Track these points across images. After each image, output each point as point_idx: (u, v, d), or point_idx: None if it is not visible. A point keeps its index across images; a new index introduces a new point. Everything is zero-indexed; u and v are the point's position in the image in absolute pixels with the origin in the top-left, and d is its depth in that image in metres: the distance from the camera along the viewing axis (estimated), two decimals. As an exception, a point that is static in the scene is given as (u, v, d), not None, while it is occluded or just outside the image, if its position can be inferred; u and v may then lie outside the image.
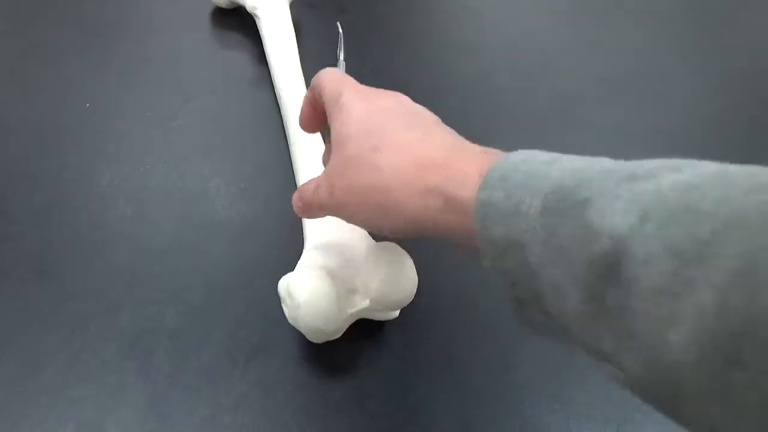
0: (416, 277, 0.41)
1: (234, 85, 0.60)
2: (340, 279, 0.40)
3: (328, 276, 0.39)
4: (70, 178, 0.51)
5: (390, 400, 0.41)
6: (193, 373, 0.41)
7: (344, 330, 0.41)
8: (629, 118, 0.58)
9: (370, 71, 0.61)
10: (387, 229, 0.34)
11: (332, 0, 0.69)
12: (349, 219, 0.36)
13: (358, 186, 0.33)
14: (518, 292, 0.28)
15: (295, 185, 0.49)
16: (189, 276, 0.45)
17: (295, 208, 0.39)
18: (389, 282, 0.40)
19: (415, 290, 0.41)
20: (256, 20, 0.62)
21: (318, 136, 0.51)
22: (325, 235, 0.44)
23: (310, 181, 0.38)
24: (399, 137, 0.33)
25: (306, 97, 0.40)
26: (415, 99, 0.58)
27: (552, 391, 0.42)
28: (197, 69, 0.61)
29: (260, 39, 0.62)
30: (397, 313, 0.43)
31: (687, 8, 0.71)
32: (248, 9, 0.63)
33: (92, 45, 0.63)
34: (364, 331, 0.43)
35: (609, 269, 0.23)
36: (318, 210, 0.37)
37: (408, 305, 0.42)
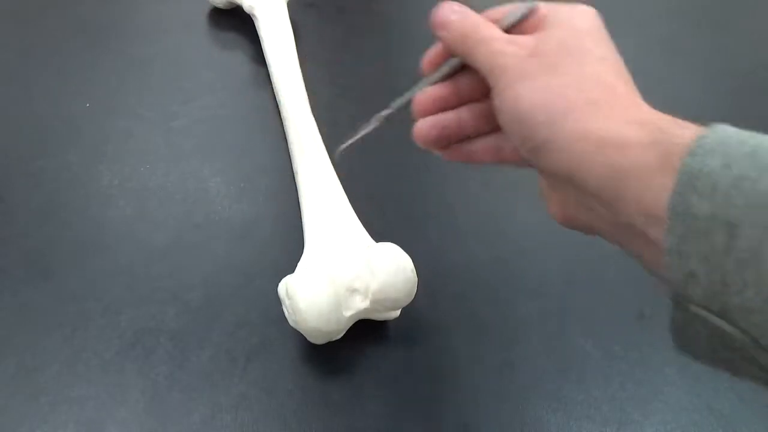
0: (416, 278, 0.41)
1: (234, 85, 0.60)
2: (340, 280, 0.40)
3: (328, 277, 0.39)
4: (71, 178, 0.51)
5: (390, 400, 0.41)
6: (193, 373, 0.40)
7: (345, 330, 0.41)
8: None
9: (370, 71, 0.61)
10: (552, 144, 0.27)
11: (332, 0, 0.69)
12: (522, 114, 0.28)
13: (568, 75, 0.28)
14: (696, 292, 0.22)
15: (295, 186, 0.49)
16: (189, 276, 0.45)
17: (440, 21, 0.32)
18: (389, 283, 0.40)
19: (415, 290, 0.41)
20: (254, 20, 0.62)
21: (318, 136, 0.51)
22: (325, 235, 0.44)
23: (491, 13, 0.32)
24: (611, 57, 0.30)
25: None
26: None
27: (552, 391, 0.42)
28: (197, 69, 0.61)
29: (259, 39, 0.62)
30: (397, 313, 0.43)
31: (687, 8, 0.71)
32: (245, 9, 0.63)
33: (92, 45, 0.63)
34: (364, 332, 0.43)
35: None
36: (476, 48, 0.30)
37: (408, 305, 0.42)
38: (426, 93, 0.34)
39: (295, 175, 0.50)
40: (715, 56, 0.65)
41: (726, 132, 0.23)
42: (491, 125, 0.34)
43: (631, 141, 0.25)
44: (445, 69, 0.33)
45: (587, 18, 0.31)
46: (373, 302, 0.40)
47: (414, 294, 0.41)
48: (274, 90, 0.57)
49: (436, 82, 0.34)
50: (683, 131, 0.24)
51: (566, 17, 0.30)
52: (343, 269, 0.41)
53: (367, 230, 0.44)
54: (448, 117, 0.34)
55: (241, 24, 0.65)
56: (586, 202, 0.28)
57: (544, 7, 0.32)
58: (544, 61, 0.29)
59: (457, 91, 0.34)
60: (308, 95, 0.55)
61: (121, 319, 0.43)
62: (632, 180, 0.25)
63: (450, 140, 0.35)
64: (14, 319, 0.42)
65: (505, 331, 0.44)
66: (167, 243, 0.47)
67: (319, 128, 0.52)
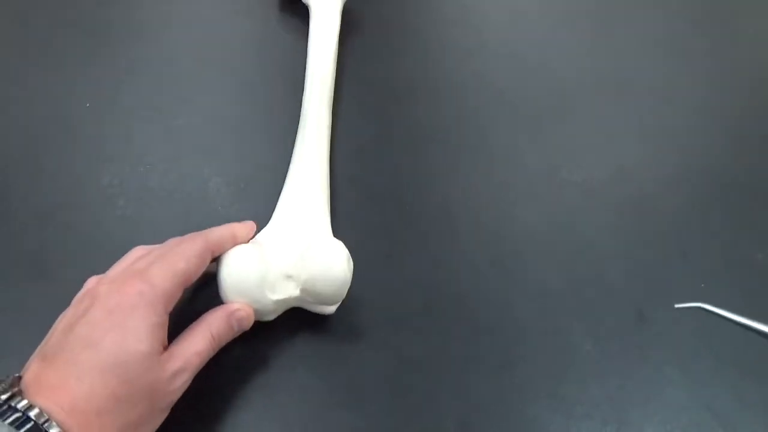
0: (348, 277, 0.40)
1: (233, 84, 0.60)
2: (279, 262, 0.41)
3: (263, 259, 0.41)
4: (70, 178, 0.51)
5: (390, 400, 0.41)
6: (193, 373, 0.40)
7: (275, 314, 0.42)
8: (629, 118, 0.58)
9: (371, 71, 0.61)
10: None
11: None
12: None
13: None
14: None
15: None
16: (189, 276, 0.45)
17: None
18: (316, 276, 0.40)
19: (347, 288, 0.40)
20: (310, 11, 0.61)
21: (325, 133, 0.51)
22: (287, 224, 0.45)
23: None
24: None
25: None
26: (417, 99, 0.58)
27: (552, 391, 0.42)
28: (197, 68, 0.61)
29: (259, 39, 0.62)
30: (332, 309, 0.42)
31: (687, 8, 0.72)
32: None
33: (92, 45, 0.62)
34: (363, 332, 0.43)
35: None
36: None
37: (408, 305, 0.42)
38: None
39: (291, 161, 0.50)
40: (715, 56, 0.66)
41: None
42: None
43: None
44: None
45: None
46: (303, 291, 0.41)
47: (345, 291, 0.41)
48: (305, 79, 0.56)
49: None
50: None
51: None
52: (287, 253, 0.42)
53: (362, 229, 0.44)
54: None
55: (243, 24, 0.65)
56: None
57: None
58: None
59: None
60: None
61: (121, 319, 0.43)
62: None
63: None
64: (14, 319, 0.42)
65: (505, 331, 0.44)
66: (167, 243, 0.47)
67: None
